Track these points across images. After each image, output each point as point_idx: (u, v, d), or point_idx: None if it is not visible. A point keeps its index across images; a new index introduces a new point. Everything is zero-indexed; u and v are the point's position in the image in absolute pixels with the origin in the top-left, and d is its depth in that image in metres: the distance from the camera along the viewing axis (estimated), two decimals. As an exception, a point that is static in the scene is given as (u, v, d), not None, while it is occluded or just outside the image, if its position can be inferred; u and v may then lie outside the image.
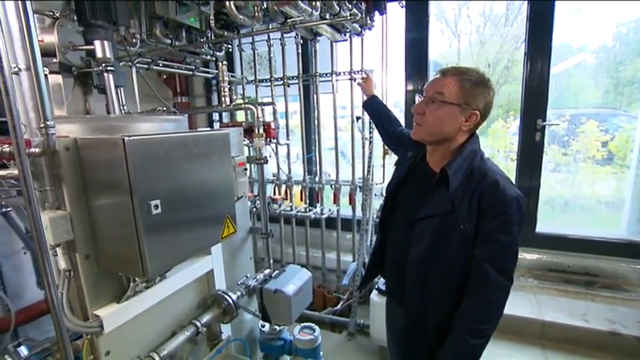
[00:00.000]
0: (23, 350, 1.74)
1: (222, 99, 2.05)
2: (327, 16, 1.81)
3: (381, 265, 1.47)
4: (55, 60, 1.37)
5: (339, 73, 3.01)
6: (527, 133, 2.96)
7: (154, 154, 1.09)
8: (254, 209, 2.93)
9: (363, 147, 3.06)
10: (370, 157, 2.99)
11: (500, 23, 3.82)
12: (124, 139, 0.99)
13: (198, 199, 1.27)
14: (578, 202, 3.35)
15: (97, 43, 1.41)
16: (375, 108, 1.93)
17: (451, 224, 1.13)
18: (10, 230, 2.41)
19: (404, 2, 2.50)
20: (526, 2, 2.86)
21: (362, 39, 2.78)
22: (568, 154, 3.24)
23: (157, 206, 1.08)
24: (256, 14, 1.75)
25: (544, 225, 3.09)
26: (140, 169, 1.03)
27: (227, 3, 1.66)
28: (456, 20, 4.04)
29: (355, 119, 3.03)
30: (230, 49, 3.39)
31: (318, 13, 1.60)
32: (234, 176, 1.64)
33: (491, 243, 1.09)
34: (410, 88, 3.17)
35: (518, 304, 2.66)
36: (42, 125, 0.93)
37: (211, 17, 1.96)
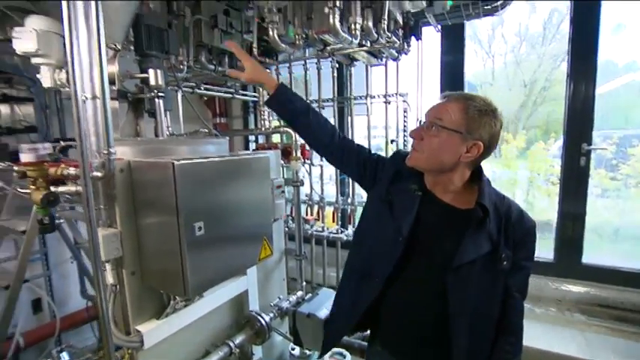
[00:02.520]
0: (65, 356, 1.83)
1: (262, 122, 2.11)
2: (366, 43, 1.84)
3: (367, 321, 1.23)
4: (114, 88, 1.48)
5: (374, 96, 3.04)
6: (571, 157, 2.81)
7: (200, 178, 1.14)
8: (286, 229, 2.96)
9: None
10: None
11: (537, 42, 3.74)
12: (173, 163, 1.05)
13: (239, 221, 1.30)
14: (630, 231, 3.11)
15: (151, 71, 1.52)
16: (294, 104, 1.32)
17: (493, 263, 1.05)
18: (61, 241, 2.57)
19: (439, 27, 2.50)
20: (567, 21, 2.78)
21: (397, 62, 2.80)
22: (617, 178, 3.04)
23: (200, 227, 1.12)
24: (297, 42, 1.82)
25: (591, 255, 2.89)
26: (187, 191, 1.08)
27: (270, 31, 1.75)
28: (490, 41, 3.99)
29: (390, 142, 3.02)
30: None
31: (357, 41, 1.64)
32: (272, 198, 1.67)
33: (520, 272, 1.10)
34: (445, 110, 3.13)
35: (565, 342, 2.47)
36: (105, 152, 1.00)
37: (254, 45, 2.06)
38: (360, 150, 1.33)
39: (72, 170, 1.03)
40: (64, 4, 1.06)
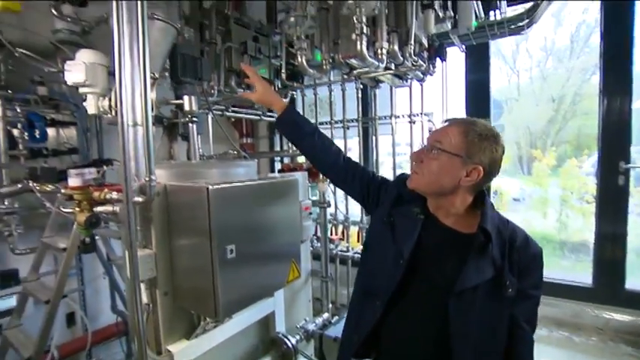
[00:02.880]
0: (95, 371, 1.88)
1: (288, 143, 2.15)
2: (392, 66, 1.86)
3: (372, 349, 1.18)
4: (152, 114, 1.57)
5: (398, 116, 3.04)
6: (608, 175, 2.67)
7: (233, 201, 1.18)
8: (311, 248, 2.96)
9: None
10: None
11: (565, 56, 3.65)
12: (208, 188, 1.09)
13: (268, 244, 1.33)
14: (679, 255, 2.90)
15: (186, 97, 1.60)
16: (300, 126, 1.37)
17: (497, 290, 1.01)
18: (95, 257, 2.68)
19: (464, 47, 2.51)
20: (597, 33, 2.70)
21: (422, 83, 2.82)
22: (662, 196, 2.86)
23: (232, 250, 1.15)
24: (324, 67, 1.87)
25: (635, 280, 2.70)
26: (220, 214, 1.12)
27: (298, 57, 1.81)
28: (515, 56, 3.93)
29: (415, 161, 3.00)
30: (294, 95, 3.61)
31: (383, 65, 1.67)
32: (300, 220, 1.69)
33: (527, 301, 1.06)
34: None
35: (609, 375, 2.30)
36: (147, 178, 1.06)
37: (283, 71, 2.13)
38: (364, 172, 1.34)
39: (114, 195, 1.09)
40: (116, 38, 1.15)
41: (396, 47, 1.70)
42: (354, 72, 1.90)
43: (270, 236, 1.33)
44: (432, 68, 2.20)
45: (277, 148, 4.11)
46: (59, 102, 2.49)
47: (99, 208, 1.23)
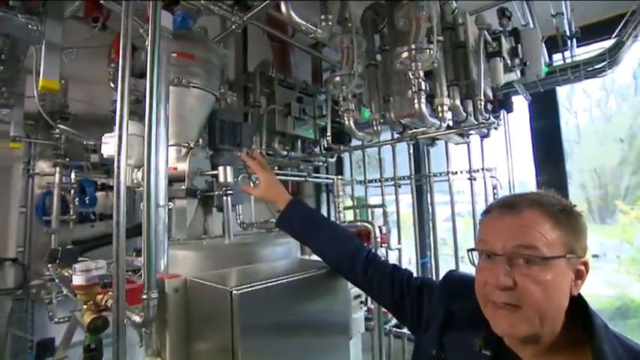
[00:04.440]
0: None
1: (338, 215, 1.93)
2: (452, 124, 1.60)
3: None
4: (182, 187, 1.44)
5: (456, 172, 2.72)
6: None
7: (264, 304, 0.94)
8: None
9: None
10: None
11: (629, 94, 3.22)
12: (232, 292, 0.87)
13: (306, 349, 1.05)
14: None
15: (221, 168, 1.46)
16: (307, 222, 1.14)
17: None
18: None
19: (529, 95, 2.21)
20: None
21: (481, 137, 2.52)
22: None
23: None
24: (375, 127, 1.66)
25: None
26: (245, 322, 0.88)
27: (345, 120, 1.62)
28: (570, 97, 3.59)
29: (479, 223, 2.61)
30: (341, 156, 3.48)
31: (445, 124, 1.43)
32: (349, 312, 1.39)
33: None
34: (542, 181, 2.70)
35: None
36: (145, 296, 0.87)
37: (328, 133, 1.97)
38: (393, 277, 0.98)
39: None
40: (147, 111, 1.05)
41: (457, 102, 1.46)
42: (409, 132, 1.68)
43: (309, 333, 1.06)
44: (497, 122, 1.91)
45: (324, 208, 3.93)
46: (110, 167, 2.54)
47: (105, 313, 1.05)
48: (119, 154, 0.95)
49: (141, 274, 0.96)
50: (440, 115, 1.38)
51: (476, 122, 1.65)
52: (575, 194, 3.09)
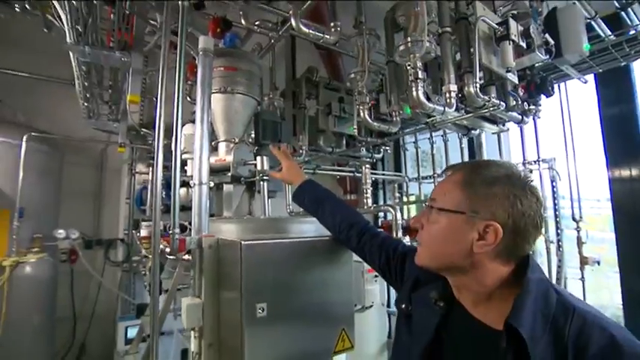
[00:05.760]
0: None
1: (365, 200, 2.08)
2: (483, 111, 1.62)
3: None
4: (228, 174, 1.77)
5: (509, 164, 2.62)
6: None
7: (268, 258, 1.17)
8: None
9: (548, 253, 2.41)
10: (560, 267, 2.31)
11: None
12: (241, 243, 1.12)
13: (308, 306, 1.24)
14: None
15: (259, 158, 1.76)
16: (315, 198, 1.32)
17: None
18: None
19: (585, 78, 2.05)
20: None
21: (535, 125, 2.41)
22: None
23: (262, 309, 1.12)
24: (394, 118, 1.80)
25: None
26: (252, 270, 1.12)
27: (361, 113, 1.78)
28: None
29: (533, 217, 2.48)
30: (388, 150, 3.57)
31: (452, 109, 1.49)
32: (363, 283, 1.54)
33: None
34: (617, 175, 2.41)
35: None
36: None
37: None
38: (382, 244, 1.13)
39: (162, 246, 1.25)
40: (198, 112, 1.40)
41: (472, 89, 1.51)
42: (428, 121, 1.75)
43: (311, 298, 1.24)
44: (535, 107, 1.84)
45: (381, 202, 4.04)
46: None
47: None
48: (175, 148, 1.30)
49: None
50: (448, 101, 1.46)
51: (502, 107, 1.66)
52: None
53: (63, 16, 1.39)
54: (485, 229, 0.72)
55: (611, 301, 3.08)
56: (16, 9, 1.66)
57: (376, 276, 1.68)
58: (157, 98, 3.10)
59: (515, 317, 0.67)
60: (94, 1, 1.39)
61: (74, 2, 1.31)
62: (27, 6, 1.62)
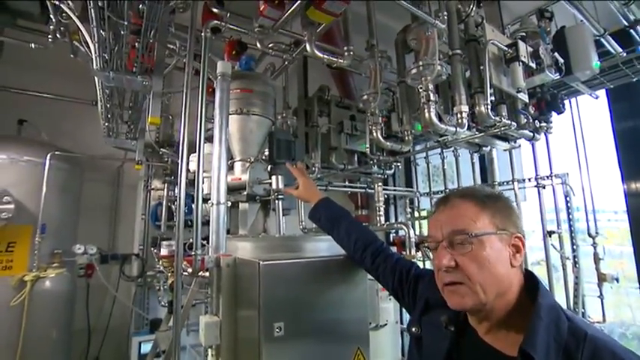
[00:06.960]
0: None
1: (378, 218, 2.10)
2: (495, 131, 1.64)
3: None
4: (244, 192, 1.81)
5: (522, 180, 2.62)
6: None
7: (285, 278, 1.20)
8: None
9: (564, 269, 2.38)
10: (577, 284, 2.27)
11: None
12: (259, 263, 1.15)
13: (324, 325, 1.26)
14: None
15: (274, 177, 1.80)
16: (331, 217, 1.33)
17: None
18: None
19: (596, 93, 2.06)
20: None
21: (547, 140, 2.41)
22: None
23: (280, 328, 1.14)
24: (406, 138, 1.83)
25: None
26: (269, 290, 1.14)
27: (373, 132, 1.82)
28: None
29: (548, 234, 2.46)
30: (398, 167, 3.59)
31: (463, 130, 1.52)
32: (377, 302, 1.55)
33: None
34: (633, 189, 2.39)
35: None
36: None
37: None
38: (395, 267, 1.14)
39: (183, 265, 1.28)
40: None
41: (482, 108, 1.54)
42: (440, 139, 1.78)
43: (326, 317, 1.26)
44: (545, 124, 1.86)
45: (392, 220, 4.04)
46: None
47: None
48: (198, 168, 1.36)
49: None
50: (460, 121, 1.48)
51: (514, 127, 1.68)
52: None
53: (91, 45, 1.48)
54: (513, 241, 0.77)
55: (633, 320, 2.99)
56: (49, 39, 1.76)
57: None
58: (172, 116, 3.23)
59: (529, 343, 0.68)
60: (122, 32, 1.47)
61: (102, 33, 1.39)
62: (58, 35, 1.72)
